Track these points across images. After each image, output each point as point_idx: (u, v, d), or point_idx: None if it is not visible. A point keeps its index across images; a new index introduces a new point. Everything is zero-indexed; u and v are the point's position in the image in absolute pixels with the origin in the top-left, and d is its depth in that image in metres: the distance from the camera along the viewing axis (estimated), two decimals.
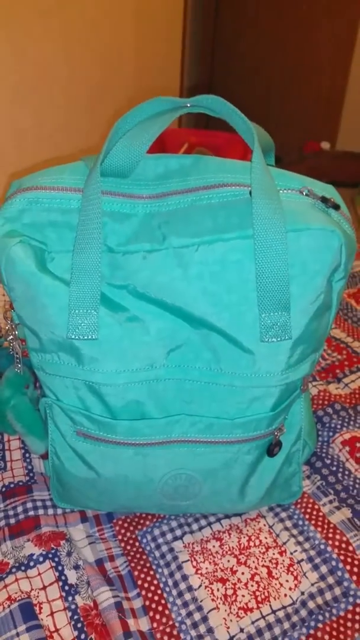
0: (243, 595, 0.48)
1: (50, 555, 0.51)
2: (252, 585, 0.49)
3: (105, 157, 0.43)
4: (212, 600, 0.48)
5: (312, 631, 0.46)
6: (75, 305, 0.43)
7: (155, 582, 0.50)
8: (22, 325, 0.47)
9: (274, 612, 0.47)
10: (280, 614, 0.47)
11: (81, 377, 0.45)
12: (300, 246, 0.41)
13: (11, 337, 0.48)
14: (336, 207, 0.43)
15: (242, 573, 0.50)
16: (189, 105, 0.45)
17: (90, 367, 0.44)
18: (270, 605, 0.47)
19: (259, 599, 0.48)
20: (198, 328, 0.44)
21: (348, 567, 0.49)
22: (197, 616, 0.47)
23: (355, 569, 0.49)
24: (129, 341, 0.44)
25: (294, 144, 1.81)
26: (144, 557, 0.52)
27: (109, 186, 0.44)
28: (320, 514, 0.54)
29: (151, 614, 0.47)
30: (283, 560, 0.51)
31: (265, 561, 0.51)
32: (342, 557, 0.50)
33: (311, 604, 0.47)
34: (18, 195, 0.44)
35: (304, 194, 0.43)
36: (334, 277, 0.44)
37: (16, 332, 0.48)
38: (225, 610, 0.47)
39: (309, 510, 0.54)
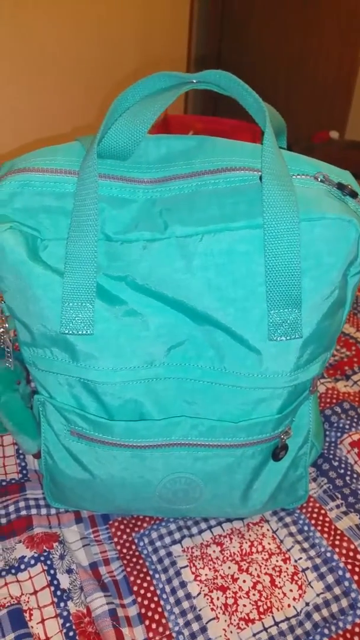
0: (244, 605, 0.46)
1: (42, 558, 0.49)
2: (254, 595, 0.46)
3: (103, 137, 0.40)
4: (212, 609, 0.45)
5: None
6: (69, 298, 0.40)
7: (152, 588, 0.47)
8: (12, 317, 0.44)
9: (276, 624, 0.44)
10: (284, 625, 0.44)
11: (75, 374, 0.42)
12: (314, 237, 0.38)
13: (1, 330, 0.45)
14: (354, 194, 0.39)
15: (244, 581, 0.47)
16: (194, 81, 0.41)
17: (85, 363, 0.41)
18: (273, 617, 0.45)
19: (261, 609, 0.45)
20: (201, 324, 0.41)
21: (356, 577, 0.47)
22: (195, 626, 0.45)
23: None
24: (127, 337, 0.41)
25: (302, 132, 1.76)
26: (141, 561, 0.49)
27: (107, 169, 0.41)
28: (327, 519, 0.51)
29: (147, 622, 0.45)
30: (287, 568, 0.48)
31: (268, 569, 0.48)
32: (349, 567, 0.47)
33: (316, 616, 0.45)
34: (8, 177, 0.40)
35: (319, 180, 0.40)
36: (349, 271, 0.41)
37: (6, 325, 0.45)
38: (226, 621, 0.45)
39: (314, 515, 0.52)
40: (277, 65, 1.97)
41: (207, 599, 0.46)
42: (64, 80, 1.55)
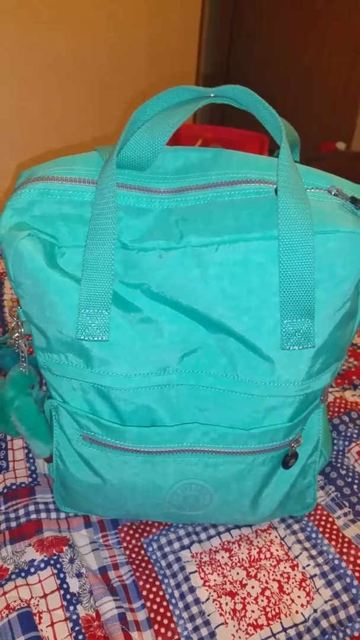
0: (253, 611, 0.46)
1: (52, 562, 0.49)
2: (262, 600, 0.47)
3: (122, 147, 0.41)
4: (221, 614, 0.46)
5: None
6: (85, 304, 0.40)
7: (160, 593, 0.48)
8: (28, 322, 0.44)
9: (285, 630, 0.45)
10: (292, 632, 0.45)
11: (90, 379, 0.43)
12: (327, 249, 0.39)
13: (17, 334, 0.46)
14: None
15: (252, 587, 0.48)
16: (212, 95, 0.42)
17: (99, 369, 0.42)
18: (281, 623, 0.45)
19: (270, 615, 0.46)
20: (215, 332, 0.42)
21: None
22: (204, 631, 0.45)
23: None
24: (142, 344, 0.42)
25: (309, 143, 1.77)
26: (150, 566, 0.50)
27: (125, 179, 0.42)
28: (335, 527, 0.52)
29: (156, 627, 0.46)
30: (295, 575, 0.48)
31: (276, 575, 0.48)
32: (357, 574, 0.48)
33: (324, 623, 0.45)
34: (28, 185, 0.41)
35: (333, 193, 0.40)
36: None
37: (22, 330, 0.45)
38: (234, 626, 0.45)
39: (322, 522, 0.52)
40: (285, 78, 1.99)
41: (216, 604, 0.47)
42: (77, 95, 1.57)
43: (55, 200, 0.41)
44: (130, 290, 0.42)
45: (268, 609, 0.46)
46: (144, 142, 0.40)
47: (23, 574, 0.48)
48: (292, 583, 0.48)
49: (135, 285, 0.42)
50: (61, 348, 0.43)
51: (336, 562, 0.49)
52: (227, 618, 0.46)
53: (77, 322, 0.41)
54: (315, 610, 0.46)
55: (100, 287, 0.40)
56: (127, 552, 0.51)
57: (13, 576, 0.48)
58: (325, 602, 0.46)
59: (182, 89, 0.42)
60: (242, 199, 0.40)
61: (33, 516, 0.53)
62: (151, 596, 0.48)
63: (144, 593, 0.48)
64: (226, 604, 0.47)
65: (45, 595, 0.47)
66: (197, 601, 0.47)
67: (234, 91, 0.41)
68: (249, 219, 0.40)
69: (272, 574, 0.49)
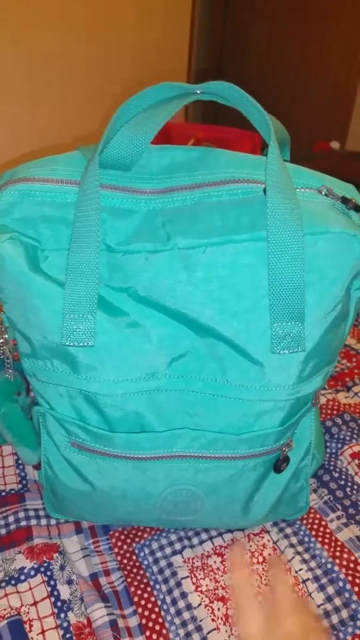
0: None
1: (42, 569, 0.49)
2: None
3: (105, 146, 0.39)
4: (213, 620, 0.45)
5: None
6: (70, 309, 0.39)
7: (152, 599, 0.47)
8: (12, 328, 0.43)
9: None
10: None
11: (76, 385, 0.42)
12: (317, 251, 0.38)
13: (1, 340, 0.45)
14: (358, 208, 0.39)
15: None
16: (198, 92, 0.41)
17: (86, 375, 0.41)
18: None
19: None
20: (203, 336, 0.41)
21: (356, 589, 0.47)
22: (196, 637, 0.44)
23: None
24: (129, 349, 0.41)
25: (303, 143, 1.75)
26: (141, 572, 0.49)
27: (109, 179, 0.40)
28: (328, 530, 0.51)
29: (147, 633, 0.45)
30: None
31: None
32: (349, 578, 0.47)
33: None
34: (8, 187, 0.40)
35: (323, 193, 0.39)
36: (353, 285, 0.41)
37: (6, 336, 0.44)
38: (227, 632, 0.45)
39: (315, 526, 0.52)
40: (279, 77, 1.96)
41: (208, 609, 0.46)
42: (63, 91, 1.54)
43: (37, 202, 0.40)
44: (117, 294, 0.41)
45: None
46: (128, 140, 0.39)
47: (13, 582, 0.48)
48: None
49: (121, 289, 0.41)
50: (46, 354, 0.42)
51: (329, 566, 0.48)
52: (219, 624, 0.45)
53: (62, 328, 0.40)
54: None
55: (85, 291, 0.39)
56: (119, 557, 0.51)
57: (3, 584, 0.48)
58: (318, 606, 0.46)
59: (167, 86, 0.41)
60: (230, 200, 0.39)
61: (23, 523, 0.52)
62: (143, 602, 0.47)
63: (136, 599, 0.47)
64: (218, 609, 0.46)
65: (35, 603, 0.47)
66: (189, 607, 0.46)
67: (221, 87, 0.40)
68: (237, 220, 0.39)
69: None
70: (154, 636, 0.45)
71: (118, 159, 0.40)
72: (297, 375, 0.41)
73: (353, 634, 0.45)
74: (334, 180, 0.41)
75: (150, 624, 0.46)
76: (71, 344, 0.40)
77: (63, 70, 1.51)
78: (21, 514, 0.52)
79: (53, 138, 1.55)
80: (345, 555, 0.49)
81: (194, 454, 0.43)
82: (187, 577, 0.48)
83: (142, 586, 0.48)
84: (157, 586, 0.48)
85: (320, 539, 0.50)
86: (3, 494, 0.55)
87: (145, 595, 0.47)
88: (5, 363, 0.47)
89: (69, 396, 0.43)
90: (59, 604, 0.47)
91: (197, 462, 0.44)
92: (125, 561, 0.50)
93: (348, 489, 0.54)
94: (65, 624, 0.45)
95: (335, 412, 0.62)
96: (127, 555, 0.51)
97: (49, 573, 0.49)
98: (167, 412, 0.43)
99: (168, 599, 0.47)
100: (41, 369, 0.43)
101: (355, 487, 0.55)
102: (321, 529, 0.51)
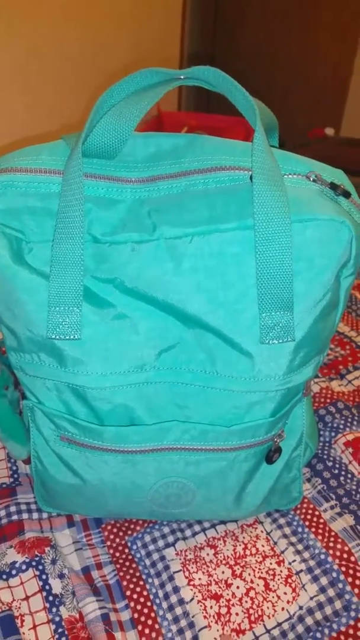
0: (237, 614, 0.45)
1: (33, 563, 0.48)
2: (246, 602, 0.46)
3: (88, 135, 0.39)
4: (205, 617, 0.45)
5: None
6: (55, 302, 0.39)
7: (144, 593, 0.47)
8: None
9: (268, 631, 0.44)
10: (275, 632, 0.44)
11: (64, 379, 0.41)
12: (306, 238, 0.37)
13: None
14: (347, 194, 0.38)
15: (237, 587, 0.47)
16: (183, 77, 0.40)
17: (73, 369, 0.40)
18: (264, 625, 0.44)
19: (252, 618, 0.45)
20: (192, 327, 0.40)
21: (350, 580, 0.46)
22: (188, 635, 0.44)
23: (358, 581, 0.46)
24: (116, 341, 0.40)
25: (298, 129, 1.74)
26: (134, 565, 0.49)
27: (93, 168, 0.39)
28: (321, 520, 0.51)
29: (140, 627, 0.45)
30: (281, 571, 0.48)
31: (262, 572, 0.48)
32: (343, 569, 0.47)
33: (309, 620, 0.44)
34: None
35: (311, 179, 0.39)
36: (342, 273, 0.40)
37: None
38: (218, 630, 0.44)
39: (309, 516, 0.51)
40: (273, 62, 1.94)
41: (201, 605, 0.46)
42: (54, 77, 1.52)
43: (20, 193, 0.39)
44: (103, 286, 0.40)
45: (252, 611, 0.45)
46: (111, 128, 0.38)
47: (4, 577, 0.48)
48: (278, 580, 0.47)
49: (107, 280, 0.40)
50: (33, 348, 0.41)
51: (322, 557, 0.48)
52: (211, 621, 0.45)
53: (48, 321, 0.39)
54: (300, 607, 0.45)
55: (70, 283, 0.39)
56: (111, 551, 0.50)
57: None
58: (311, 598, 0.46)
59: (151, 71, 0.40)
60: (216, 187, 0.38)
61: (14, 517, 0.52)
62: (135, 596, 0.47)
63: (128, 593, 0.47)
64: (210, 607, 0.46)
65: (27, 598, 0.46)
66: (181, 602, 0.46)
67: (205, 72, 0.39)
68: (223, 209, 0.38)
69: (258, 572, 0.48)
70: (146, 630, 0.45)
71: (102, 148, 0.39)
72: (287, 365, 0.40)
73: (347, 625, 0.45)
74: (323, 166, 0.40)
75: (143, 618, 0.45)
76: (57, 337, 0.39)
77: (56, 59, 1.49)
78: (12, 508, 0.52)
79: (46, 126, 1.53)
80: (339, 546, 0.49)
81: (184, 446, 0.43)
82: (180, 570, 0.48)
83: (134, 580, 0.48)
84: (150, 580, 0.48)
85: (313, 529, 0.50)
86: None
87: (138, 589, 0.47)
88: None
89: (57, 390, 0.43)
90: (50, 598, 0.46)
91: (187, 455, 0.43)
92: (117, 554, 0.50)
93: (342, 478, 0.54)
94: (57, 619, 0.45)
95: (328, 400, 0.62)
96: (120, 548, 0.50)
97: (40, 567, 0.48)
98: (157, 404, 0.42)
99: (160, 593, 0.47)
100: (28, 363, 0.42)
101: (349, 475, 0.54)
102: (315, 519, 0.51)
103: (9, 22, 1.33)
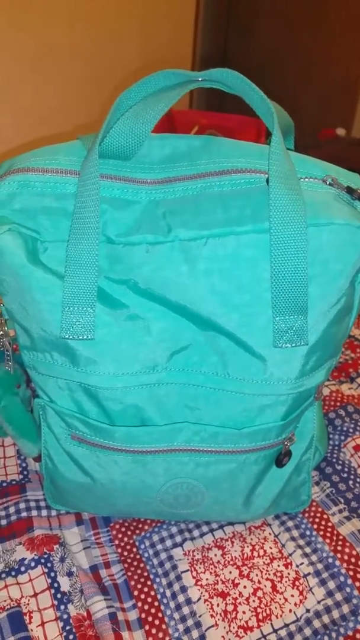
0: (244, 612, 0.45)
1: (42, 561, 0.49)
2: (253, 601, 0.46)
3: (105, 136, 0.39)
4: (212, 616, 0.45)
5: None
6: (69, 302, 0.39)
7: (152, 592, 0.47)
8: (12, 320, 0.43)
9: (275, 631, 0.44)
10: (282, 632, 0.44)
11: (76, 379, 0.41)
12: (321, 243, 0.37)
13: (1, 332, 0.44)
14: None
15: (244, 587, 0.47)
16: (200, 79, 0.40)
17: (86, 368, 0.41)
18: (271, 624, 0.45)
19: (260, 616, 0.45)
20: (205, 329, 0.40)
21: (357, 584, 0.46)
22: (195, 634, 0.44)
23: None
24: (129, 342, 0.40)
25: (309, 129, 1.73)
26: (142, 564, 0.49)
27: (109, 169, 0.39)
28: (330, 524, 0.51)
29: (147, 627, 0.45)
30: (288, 574, 0.48)
31: (269, 574, 0.48)
32: (351, 573, 0.47)
33: (317, 623, 0.44)
34: (7, 177, 0.39)
35: (328, 183, 0.38)
36: (357, 278, 0.40)
37: (6, 328, 0.44)
38: (225, 628, 0.44)
39: (317, 519, 0.51)
40: (285, 63, 1.93)
41: (207, 604, 0.46)
42: (67, 78, 1.52)
43: (36, 193, 0.39)
44: (117, 287, 0.40)
45: (259, 610, 0.45)
46: (128, 130, 0.38)
47: (13, 573, 0.48)
48: (286, 582, 0.47)
49: (121, 281, 0.40)
50: (46, 347, 0.41)
51: (330, 560, 0.48)
52: (218, 620, 0.45)
53: (61, 321, 0.39)
54: (308, 610, 0.45)
55: (85, 283, 0.39)
56: (119, 550, 0.51)
57: (3, 575, 0.48)
58: (319, 602, 0.46)
59: (169, 73, 0.40)
60: (232, 190, 0.38)
61: (24, 514, 0.52)
62: (142, 596, 0.47)
63: (135, 593, 0.47)
64: (217, 605, 0.46)
65: (35, 595, 0.47)
66: (188, 601, 0.46)
67: (223, 75, 0.39)
68: (239, 211, 0.38)
69: (265, 573, 0.48)
70: (153, 630, 0.45)
71: (118, 149, 0.39)
72: (299, 369, 0.40)
73: (354, 629, 0.45)
74: (339, 169, 0.40)
75: (150, 618, 0.46)
76: (71, 337, 0.39)
77: (68, 59, 1.50)
78: (22, 505, 0.52)
79: (58, 127, 1.54)
80: (346, 550, 0.49)
81: (194, 447, 0.43)
82: (187, 570, 0.48)
83: (142, 580, 0.48)
84: (157, 579, 0.48)
85: (321, 532, 0.50)
86: (4, 484, 0.55)
87: (145, 589, 0.47)
88: (5, 355, 0.47)
89: (69, 389, 0.43)
90: (59, 595, 0.47)
91: (197, 456, 0.43)
92: (125, 553, 0.50)
93: (351, 482, 0.54)
94: (65, 616, 0.46)
95: (338, 403, 0.62)
96: (128, 547, 0.51)
97: (49, 565, 0.49)
98: (168, 405, 0.42)
99: (168, 593, 0.47)
100: (41, 362, 0.42)
101: (358, 480, 0.54)
102: (323, 523, 0.51)
103: (21, 22, 1.33)
